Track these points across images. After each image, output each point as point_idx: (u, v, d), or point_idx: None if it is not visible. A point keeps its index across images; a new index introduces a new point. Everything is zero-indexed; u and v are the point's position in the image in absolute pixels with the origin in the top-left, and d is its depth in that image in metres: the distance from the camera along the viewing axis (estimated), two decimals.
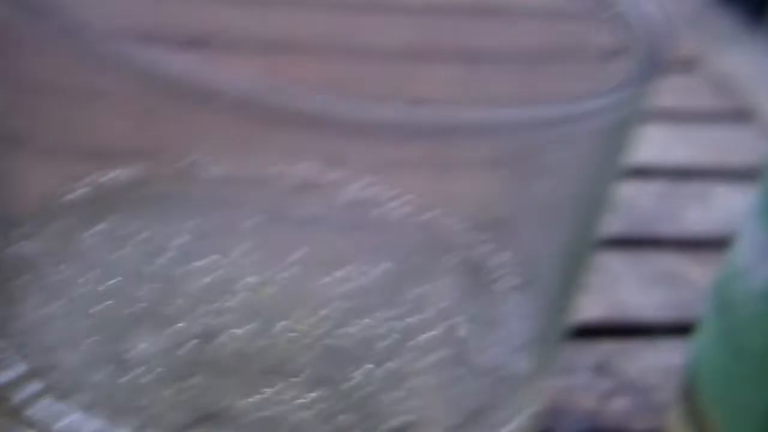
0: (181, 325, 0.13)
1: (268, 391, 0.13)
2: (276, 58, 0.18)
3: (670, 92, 0.55)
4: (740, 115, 0.53)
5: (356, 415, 0.13)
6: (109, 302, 0.13)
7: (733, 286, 0.24)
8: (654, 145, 0.50)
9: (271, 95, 0.10)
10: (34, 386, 0.13)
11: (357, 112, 0.10)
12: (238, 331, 0.13)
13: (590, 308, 0.37)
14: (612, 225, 0.43)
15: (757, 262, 0.23)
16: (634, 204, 0.44)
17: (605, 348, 0.35)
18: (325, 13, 0.19)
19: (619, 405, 0.33)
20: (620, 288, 0.39)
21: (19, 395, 0.13)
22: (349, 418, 0.13)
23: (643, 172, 0.47)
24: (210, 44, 0.15)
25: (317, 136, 0.11)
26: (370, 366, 0.13)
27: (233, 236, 0.14)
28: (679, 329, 0.35)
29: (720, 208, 0.45)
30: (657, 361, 0.35)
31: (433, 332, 0.13)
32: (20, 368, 0.13)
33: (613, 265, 0.40)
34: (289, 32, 0.19)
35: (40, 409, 0.12)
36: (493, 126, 0.11)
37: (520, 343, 0.14)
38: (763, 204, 0.23)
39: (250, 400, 0.13)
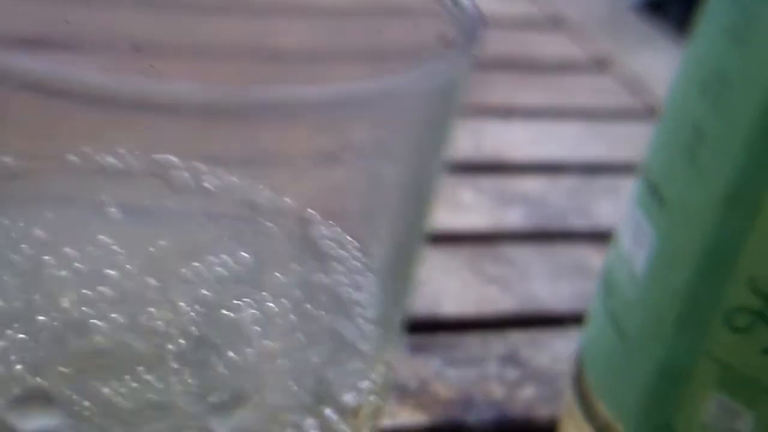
0: (41, 318, 0.13)
1: (135, 379, 0.13)
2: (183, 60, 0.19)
3: (583, 90, 0.57)
4: (651, 113, 0.55)
5: (220, 395, 0.13)
6: None
7: (617, 270, 0.25)
8: (567, 141, 0.51)
9: (77, 77, 0.11)
10: None
11: (170, 94, 0.11)
12: (100, 323, 0.14)
13: (501, 300, 0.38)
14: (524, 218, 0.44)
15: (635, 247, 0.24)
16: (546, 198, 0.45)
17: (515, 339, 0.36)
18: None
19: (527, 393, 0.34)
20: (531, 281, 0.40)
21: None
22: (215, 398, 0.13)
23: (556, 168, 0.48)
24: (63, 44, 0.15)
25: (143, 119, 0.12)
26: (232, 352, 0.13)
27: (92, 229, 0.14)
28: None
29: (629, 202, 0.46)
30: (565, 350, 0.36)
31: (291, 316, 0.14)
32: None
33: (525, 258, 0.41)
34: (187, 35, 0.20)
35: None
36: (307, 103, 0.11)
37: (366, 321, 0.14)
38: (640, 193, 0.24)
39: (118, 389, 0.13)
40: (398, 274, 0.14)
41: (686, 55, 0.23)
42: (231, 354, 0.14)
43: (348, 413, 0.14)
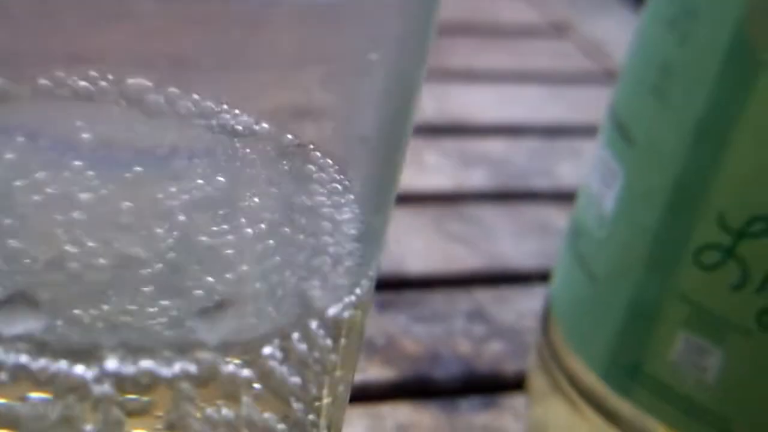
0: (12, 243, 0.13)
1: (114, 303, 0.13)
2: None
3: (543, 55, 0.57)
4: (609, 77, 0.55)
5: (182, 317, 0.13)
6: None
7: (586, 213, 0.25)
8: (528, 104, 0.51)
9: None
10: None
11: None
12: (73, 250, 0.13)
13: (466, 259, 0.38)
14: (487, 179, 0.44)
15: (604, 187, 0.24)
16: (509, 160, 0.45)
17: (480, 296, 0.36)
18: None
19: (493, 349, 0.34)
20: (495, 239, 0.40)
21: None
22: (175, 322, 0.13)
23: (517, 130, 0.48)
24: None
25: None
26: (194, 274, 0.13)
27: (65, 154, 0.14)
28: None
29: (590, 162, 0.46)
30: (530, 307, 0.36)
31: (270, 241, 0.14)
32: None
33: (489, 217, 0.41)
34: None
35: None
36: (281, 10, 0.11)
37: (348, 238, 0.14)
38: (607, 133, 0.24)
39: (94, 312, 0.13)
40: (379, 191, 0.14)
41: None
42: (209, 279, 0.13)
43: (332, 326, 0.14)
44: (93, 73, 0.15)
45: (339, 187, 0.14)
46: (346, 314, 0.14)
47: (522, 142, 0.47)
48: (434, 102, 0.49)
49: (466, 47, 0.55)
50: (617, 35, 0.60)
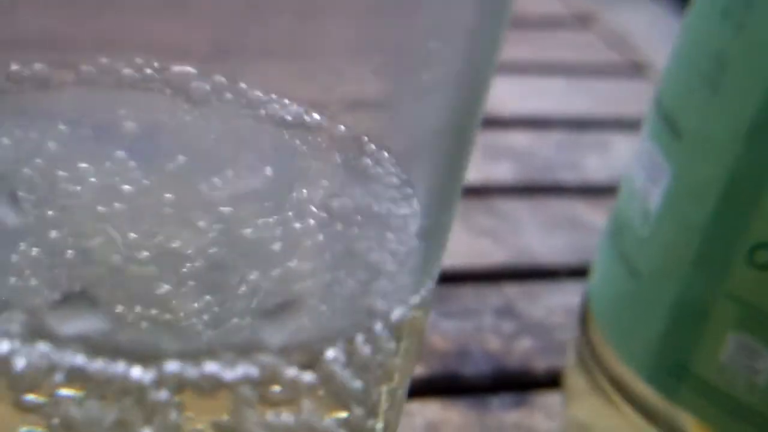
0: (54, 234, 0.12)
1: (175, 304, 0.13)
2: None
3: (567, 47, 0.56)
4: (635, 69, 0.54)
5: (245, 319, 0.12)
6: None
7: (629, 208, 0.24)
8: (553, 97, 0.50)
9: None
10: None
11: None
12: (117, 243, 0.13)
13: (494, 253, 0.37)
14: (513, 172, 0.43)
15: (649, 183, 0.23)
16: (535, 153, 0.45)
17: (509, 291, 0.36)
18: None
19: (523, 345, 0.33)
20: (523, 233, 0.39)
21: None
22: (238, 323, 0.12)
23: (543, 123, 0.48)
24: None
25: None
26: (256, 274, 0.13)
27: (108, 144, 0.13)
28: (581, 272, 0.36)
29: (617, 156, 0.46)
30: (560, 303, 0.35)
31: (320, 236, 0.13)
32: None
33: (516, 211, 0.40)
34: None
35: None
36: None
37: (408, 237, 0.14)
38: (653, 126, 0.23)
39: (154, 312, 0.12)
40: (444, 187, 0.14)
41: None
42: (271, 280, 0.13)
43: (396, 329, 0.13)
44: (138, 60, 0.14)
45: (399, 182, 0.14)
46: (409, 316, 0.13)
47: (547, 134, 0.47)
48: None
49: None
50: (641, 27, 0.59)
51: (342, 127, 0.14)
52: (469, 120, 0.13)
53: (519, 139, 0.46)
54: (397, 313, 0.13)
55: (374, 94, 0.13)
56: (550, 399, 0.31)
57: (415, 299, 0.14)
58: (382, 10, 0.12)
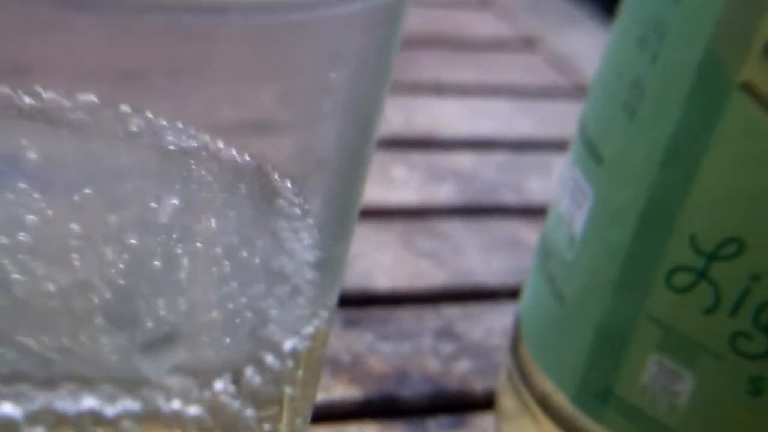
0: None
1: (64, 332, 0.12)
2: None
3: (512, 68, 0.57)
4: (579, 91, 0.55)
5: (136, 344, 0.12)
6: None
7: (556, 232, 0.24)
8: (497, 118, 0.51)
9: None
10: None
11: None
12: (19, 277, 0.12)
13: (434, 275, 0.38)
14: (455, 194, 0.43)
15: (573, 207, 0.23)
16: (478, 174, 0.45)
17: (449, 313, 0.36)
18: None
19: (462, 367, 0.33)
20: (464, 255, 0.39)
21: None
22: (128, 348, 0.12)
23: (486, 144, 0.48)
24: None
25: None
26: (141, 304, 0.13)
27: (10, 174, 0.13)
28: (521, 293, 0.36)
29: (560, 179, 0.46)
30: (500, 324, 0.36)
31: (223, 268, 0.13)
32: None
33: (458, 233, 0.41)
34: None
35: None
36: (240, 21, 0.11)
37: (304, 262, 0.14)
38: (577, 151, 0.24)
39: (29, 342, 0.12)
40: (339, 217, 0.14)
41: (623, 9, 0.23)
42: (156, 308, 0.13)
43: (290, 359, 0.13)
44: (38, 89, 0.14)
45: (298, 211, 0.14)
46: (303, 346, 0.14)
47: (491, 156, 0.47)
48: (402, 115, 0.48)
49: (434, 60, 0.55)
50: (587, 49, 0.60)
51: (246, 156, 0.14)
52: (361, 149, 0.14)
53: (462, 160, 0.46)
54: (289, 344, 0.13)
55: (273, 121, 0.13)
56: (487, 420, 0.31)
57: (309, 329, 0.14)
58: (278, 36, 0.12)
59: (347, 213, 0.14)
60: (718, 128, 0.20)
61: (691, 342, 0.21)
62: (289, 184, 0.14)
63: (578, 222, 0.23)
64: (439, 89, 0.52)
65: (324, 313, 0.14)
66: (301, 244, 0.14)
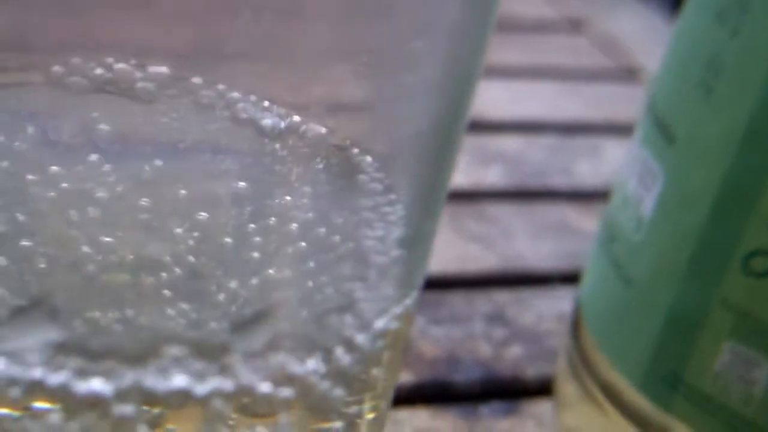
0: (25, 242, 0.12)
1: (135, 304, 0.12)
2: None
3: (559, 51, 0.56)
4: (627, 74, 0.54)
5: (226, 323, 0.12)
6: None
7: (621, 216, 0.24)
8: (545, 101, 0.50)
9: None
10: None
11: None
12: (92, 252, 0.12)
13: (484, 260, 0.37)
14: (504, 177, 0.42)
15: (642, 188, 0.23)
16: (526, 157, 0.44)
17: (500, 298, 0.35)
18: None
19: (514, 353, 0.33)
20: (513, 239, 0.39)
21: None
22: (218, 327, 0.12)
23: (534, 127, 0.47)
24: None
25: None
26: (233, 282, 0.12)
27: (81, 147, 0.12)
28: (572, 278, 0.35)
29: (609, 161, 0.45)
30: (550, 309, 0.35)
31: (310, 247, 0.13)
32: None
33: (506, 217, 0.40)
34: None
35: None
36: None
37: (392, 240, 0.13)
38: (646, 131, 0.23)
39: (116, 322, 0.12)
40: (428, 194, 0.13)
41: None
42: (245, 288, 0.12)
43: (379, 339, 0.13)
44: (110, 61, 0.13)
45: (381, 187, 0.13)
46: (392, 326, 0.13)
47: (539, 139, 0.46)
48: None
49: None
50: (633, 31, 0.59)
51: (323, 130, 0.13)
52: (453, 124, 0.13)
53: (510, 143, 0.45)
54: (380, 324, 0.13)
55: (356, 96, 0.13)
56: (540, 407, 0.30)
57: (399, 309, 0.13)
58: (363, 10, 0.11)
59: (436, 190, 0.13)
60: None
61: None
62: (376, 162, 0.13)
63: (647, 204, 0.22)
64: (486, 71, 0.51)
65: (413, 293, 0.13)
66: (388, 222, 0.13)
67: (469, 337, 0.33)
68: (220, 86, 0.13)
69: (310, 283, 0.12)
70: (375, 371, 0.13)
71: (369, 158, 0.13)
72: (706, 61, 0.21)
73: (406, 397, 0.30)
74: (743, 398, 0.21)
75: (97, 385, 0.11)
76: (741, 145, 0.20)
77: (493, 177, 0.42)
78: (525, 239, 0.39)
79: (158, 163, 0.13)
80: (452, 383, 0.31)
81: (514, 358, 0.32)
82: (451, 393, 0.31)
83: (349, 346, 0.12)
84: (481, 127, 0.46)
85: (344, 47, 0.12)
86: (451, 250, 0.37)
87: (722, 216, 0.20)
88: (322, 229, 0.13)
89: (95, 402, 0.11)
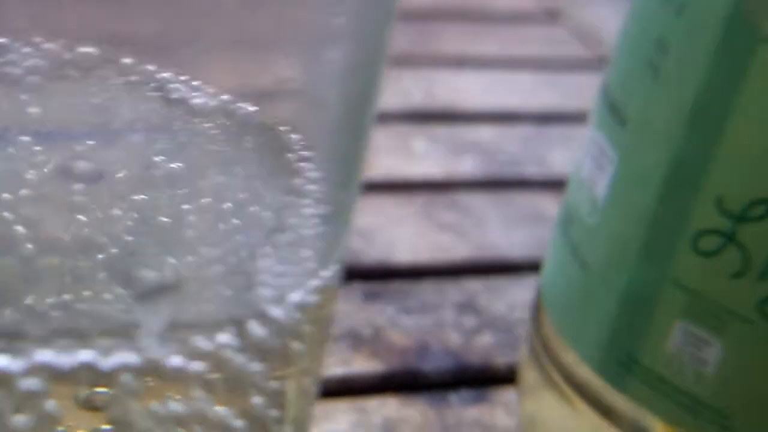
0: None
1: (47, 287, 0.12)
2: None
3: (535, 41, 0.56)
4: (602, 63, 0.54)
5: (131, 296, 0.12)
6: None
7: (577, 198, 0.24)
8: (521, 91, 0.50)
9: None
10: None
11: None
12: (23, 230, 0.12)
13: (456, 248, 0.37)
14: (477, 167, 0.43)
15: (596, 171, 0.23)
16: (501, 147, 0.44)
17: (471, 286, 0.35)
18: None
19: (484, 341, 0.33)
20: (486, 228, 0.39)
21: None
22: (123, 300, 0.12)
23: (509, 117, 0.47)
24: None
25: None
26: (158, 251, 0.12)
27: (11, 129, 0.12)
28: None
29: (583, 150, 0.45)
30: (522, 298, 0.35)
31: (226, 212, 0.13)
32: None
33: (480, 206, 0.40)
34: None
35: None
36: None
37: (308, 214, 0.13)
38: (600, 114, 0.23)
39: (49, 300, 0.12)
40: (346, 168, 0.13)
41: None
42: (157, 254, 0.12)
43: (296, 313, 0.13)
44: (45, 44, 0.13)
45: (303, 164, 0.13)
46: (311, 299, 0.13)
47: (513, 129, 0.46)
48: (423, 88, 0.47)
49: (457, 33, 0.54)
50: (610, 21, 0.59)
51: (251, 109, 0.13)
52: (365, 99, 0.13)
53: (484, 133, 0.45)
54: (295, 297, 0.13)
55: (277, 75, 0.13)
56: (510, 395, 0.30)
57: (316, 282, 0.13)
58: None
59: (353, 164, 0.13)
60: (745, 85, 0.19)
61: (719, 307, 0.20)
62: (293, 136, 0.13)
63: (601, 186, 0.22)
64: (461, 62, 0.51)
65: (331, 267, 0.13)
66: (306, 196, 0.13)
67: (440, 326, 0.33)
68: (150, 67, 0.13)
69: (221, 255, 0.12)
70: (295, 345, 0.13)
71: (293, 135, 0.13)
72: (654, 41, 0.21)
73: (375, 386, 0.30)
74: (696, 378, 0.21)
75: (2, 361, 0.11)
76: (687, 125, 0.20)
77: (467, 167, 0.42)
78: (498, 228, 0.39)
79: (91, 143, 0.13)
80: (422, 372, 0.31)
81: (484, 347, 0.33)
82: (420, 382, 0.31)
83: (263, 319, 0.12)
84: (456, 117, 0.46)
85: (265, 28, 0.12)
86: (423, 240, 0.37)
87: (671, 196, 0.20)
88: (239, 203, 0.13)
89: (2, 379, 0.11)
